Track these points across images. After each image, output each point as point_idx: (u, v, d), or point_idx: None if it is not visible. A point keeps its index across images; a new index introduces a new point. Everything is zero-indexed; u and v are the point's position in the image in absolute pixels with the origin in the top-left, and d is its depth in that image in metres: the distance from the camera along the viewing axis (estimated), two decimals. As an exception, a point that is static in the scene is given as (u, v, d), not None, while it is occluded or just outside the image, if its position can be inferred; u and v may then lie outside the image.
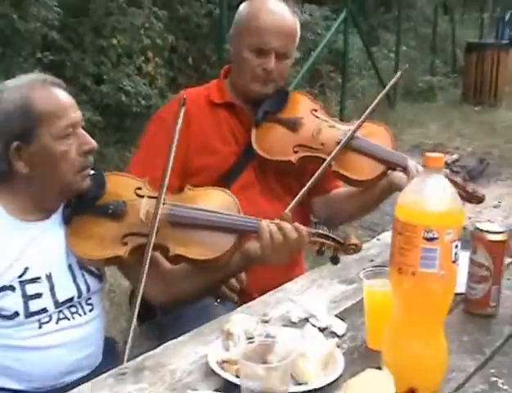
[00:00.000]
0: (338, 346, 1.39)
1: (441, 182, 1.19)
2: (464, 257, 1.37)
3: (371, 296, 1.44)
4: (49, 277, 1.60)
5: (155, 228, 1.63)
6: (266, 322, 1.53)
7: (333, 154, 1.97)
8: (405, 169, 1.96)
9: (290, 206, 1.84)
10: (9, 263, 1.55)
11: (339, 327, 1.50)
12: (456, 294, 1.31)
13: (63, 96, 1.59)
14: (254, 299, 1.71)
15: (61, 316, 1.62)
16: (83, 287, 1.66)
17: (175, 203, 1.70)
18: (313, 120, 2.10)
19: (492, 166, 6.13)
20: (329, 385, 1.26)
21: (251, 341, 1.26)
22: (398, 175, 1.96)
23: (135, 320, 1.55)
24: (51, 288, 1.60)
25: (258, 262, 1.70)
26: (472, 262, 1.58)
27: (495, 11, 15.62)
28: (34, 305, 1.57)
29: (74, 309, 1.64)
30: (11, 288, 1.55)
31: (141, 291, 1.57)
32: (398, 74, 2.42)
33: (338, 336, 1.47)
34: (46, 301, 1.59)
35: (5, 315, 1.54)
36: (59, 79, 1.65)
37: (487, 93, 10.32)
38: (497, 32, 13.02)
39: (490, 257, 1.55)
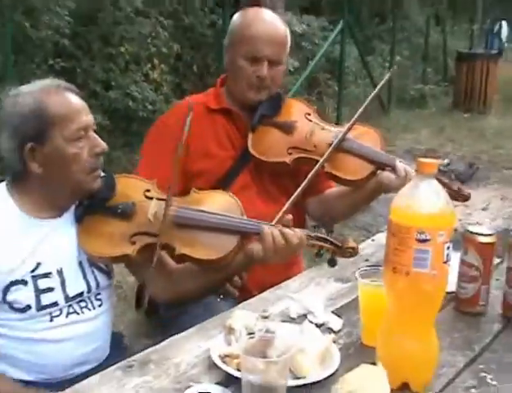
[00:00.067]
0: (334, 342, 1.42)
1: (433, 187, 1.22)
2: (455, 258, 1.40)
3: (366, 294, 1.47)
4: (60, 273, 1.64)
5: (165, 228, 1.65)
6: (266, 317, 1.56)
7: (325, 156, 2.01)
8: (393, 169, 2.00)
9: (286, 207, 1.85)
10: (22, 258, 1.59)
11: (336, 323, 1.54)
12: (447, 293, 1.35)
13: (75, 100, 1.62)
14: (254, 296, 1.75)
15: (71, 310, 1.65)
16: (93, 283, 1.69)
17: (181, 205, 1.73)
18: (307, 124, 2.14)
19: (481, 171, 6.18)
20: (326, 379, 1.29)
21: (252, 336, 1.28)
22: (387, 175, 2.01)
23: None
24: (62, 283, 1.64)
25: (260, 262, 1.73)
26: (462, 262, 1.61)
27: (484, 22, 15.77)
28: (46, 299, 1.60)
29: (83, 304, 1.68)
30: (24, 282, 1.58)
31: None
32: (387, 75, 2.46)
33: (334, 332, 1.50)
34: (57, 295, 1.62)
35: (17, 308, 1.58)
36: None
37: (476, 101, 10.48)
38: (487, 42, 13.06)
39: (480, 258, 1.59)
